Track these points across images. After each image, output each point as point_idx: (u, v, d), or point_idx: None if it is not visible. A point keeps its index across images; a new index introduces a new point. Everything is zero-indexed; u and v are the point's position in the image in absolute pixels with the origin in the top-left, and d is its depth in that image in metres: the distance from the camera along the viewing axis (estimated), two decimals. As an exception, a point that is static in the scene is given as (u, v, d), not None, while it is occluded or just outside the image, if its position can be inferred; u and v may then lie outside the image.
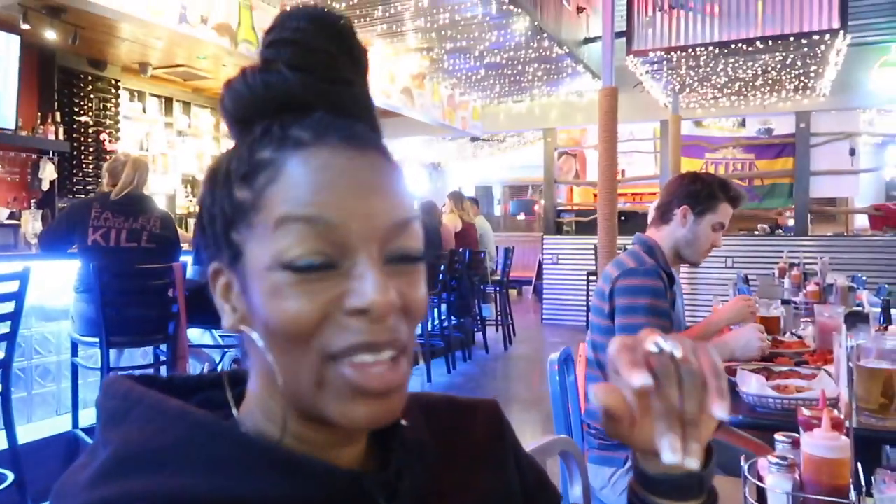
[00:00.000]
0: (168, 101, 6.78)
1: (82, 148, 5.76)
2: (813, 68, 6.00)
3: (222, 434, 0.47)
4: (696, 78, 6.38)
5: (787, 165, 7.66)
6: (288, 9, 0.52)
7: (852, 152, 8.15)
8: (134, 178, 3.18)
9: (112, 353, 3.08)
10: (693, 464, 0.50)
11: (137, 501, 0.44)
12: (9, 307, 2.54)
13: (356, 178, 0.48)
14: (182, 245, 3.42)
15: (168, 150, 6.70)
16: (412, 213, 0.50)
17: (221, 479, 0.46)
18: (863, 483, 0.97)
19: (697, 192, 1.99)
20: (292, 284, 0.46)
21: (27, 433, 3.02)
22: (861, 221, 8.66)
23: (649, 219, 2.16)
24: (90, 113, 5.81)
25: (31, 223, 3.84)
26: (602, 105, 4.36)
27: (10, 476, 2.58)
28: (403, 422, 0.57)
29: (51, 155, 5.41)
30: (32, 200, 5.20)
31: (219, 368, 3.89)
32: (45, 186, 5.35)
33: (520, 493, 0.63)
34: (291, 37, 0.50)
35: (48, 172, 5.33)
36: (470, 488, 0.60)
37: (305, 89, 0.50)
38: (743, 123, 9.22)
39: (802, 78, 6.34)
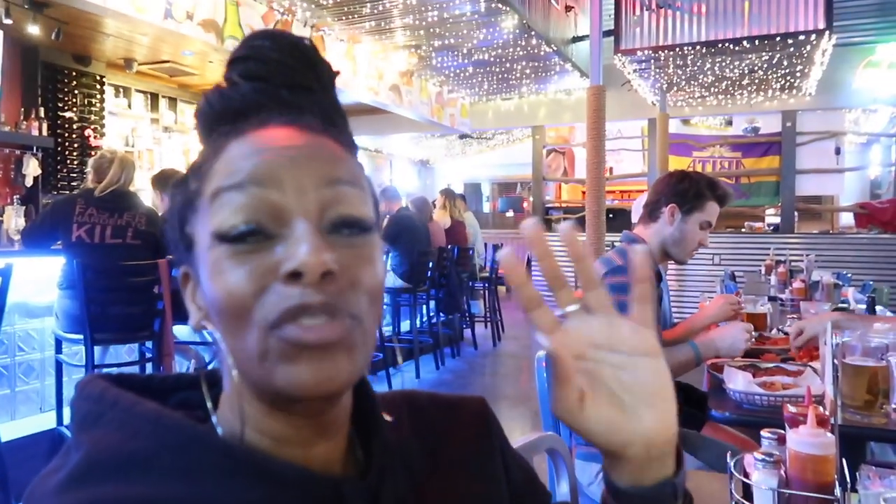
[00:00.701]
0: (154, 97, 6.72)
1: (67, 144, 5.69)
2: (799, 68, 6.04)
3: (196, 439, 0.46)
4: (683, 77, 6.41)
5: (773, 164, 7.72)
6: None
7: (837, 151, 8.24)
8: (121, 176, 3.15)
9: (97, 349, 3.05)
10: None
11: None
12: (-9, 304, 2.50)
13: (287, 147, 0.48)
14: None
15: (154, 146, 6.64)
16: (354, 184, 0.49)
17: (195, 486, 0.44)
18: (848, 479, 0.98)
19: (685, 191, 2.00)
20: (229, 257, 0.46)
21: (11, 430, 2.98)
22: (846, 219, 8.74)
23: (633, 217, 2.17)
24: (75, 108, 5.75)
25: (14, 219, 3.79)
26: (590, 103, 4.37)
27: (-7, 476, 2.54)
28: (388, 418, 0.56)
29: (34, 151, 5.34)
30: (15, 196, 5.13)
31: (210, 367, 3.87)
32: (29, 182, 5.28)
33: (507, 494, 0.62)
34: (249, 53, 0.52)
35: (32, 168, 5.26)
36: (456, 493, 0.58)
37: (260, 94, 0.51)
38: (730, 122, 9.28)
39: (788, 77, 6.39)
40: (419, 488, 0.56)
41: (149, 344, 3.23)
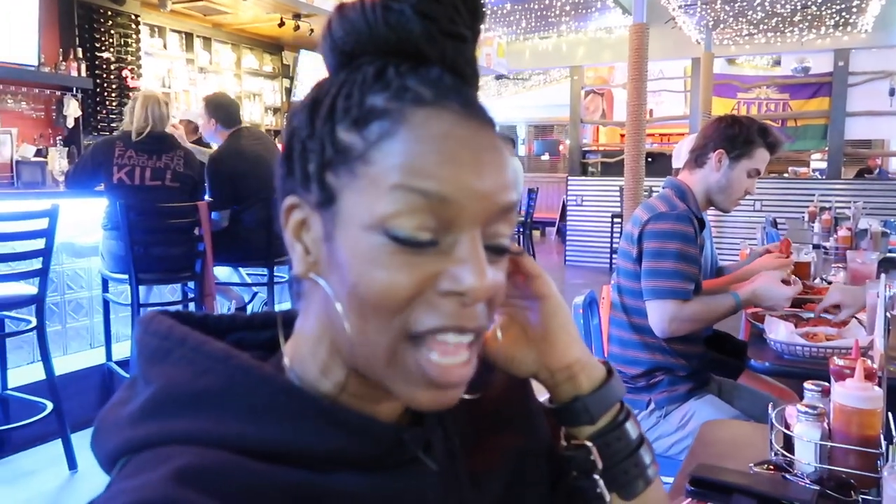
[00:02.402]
0: (188, 37, 6.69)
1: (105, 85, 5.73)
2: (855, 2, 5.73)
3: (266, 381, 0.47)
4: (731, 13, 6.14)
5: (822, 106, 7.42)
6: None
7: (892, 92, 7.86)
8: (146, 115, 3.13)
9: (142, 289, 3.14)
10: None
11: (180, 442, 0.44)
12: (39, 244, 2.58)
13: (477, 155, 0.45)
14: (205, 184, 3.43)
15: (190, 87, 6.65)
16: (518, 197, 0.50)
17: (263, 426, 0.46)
18: (894, 433, 0.96)
19: (734, 136, 1.92)
20: (390, 253, 0.44)
21: (63, 365, 3.11)
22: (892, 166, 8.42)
23: (674, 162, 2.11)
24: (111, 49, 5.76)
25: (58, 160, 3.87)
26: (632, 42, 4.22)
27: (50, 405, 2.67)
28: None
29: (74, 92, 5.40)
30: (58, 138, 5.22)
31: (248, 308, 3.97)
32: (70, 124, 5.35)
33: (545, 447, 0.63)
34: None
35: (72, 109, 5.32)
36: (497, 448, 0.60)
37: (426, 39, 0.46)
38: (778, 62, 8.90)
39: (843, 13, 6.07)
40: (466, 441, 0.57)
41: (191, 284, 3.31)
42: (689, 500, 0.94)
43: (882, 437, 0.94)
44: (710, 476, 0.94)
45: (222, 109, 3.65)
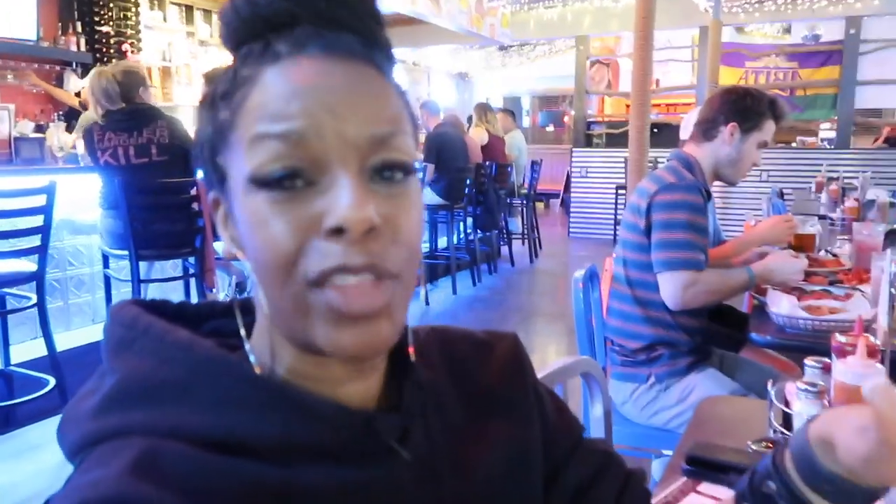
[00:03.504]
0: (189, 10, 6.61)
1: (105, 59, 5.67)
2: (868, -33, 5.58)
3: (228, 370, 0.46)
4: (740, -21, 6.00)
5: (832, 75, 7.28)
6: None
7: (903, 60, 7.69)
8: (106, 96, 3.07)
9: (142, 265, 3.14)
10: None
11: (139, 434, 0.43)
12: (38, 221, 2.57)
13: (332, 89, 0.44)
14: None
15: (191, 61, 6.58)
16: (399, 127, 0.46)
17: (226, 417, 0.44)
18: None
19: (748, 109, 1.87)
20: (269, 205, 0.43)
21: (66, 341, 3.13)
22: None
23: (682, 133, 2.07)
24: (111, 23, 5.69)
25: (57, 136, 3.84)
26: (638, 10, 4.12)
27: (52, 381, 2.69)
28: (411, 356, 0.54)
29: (74, 66, 5.35)
30: (58, 113, 5.19)
31: (248, 282, 3.97)
32: (75, 94, 5.31)
33: (539, 434, 0.60)
34: None
35: (73, 84, 5.28)
36: (490, 435, 0.57)
37: (291, 2, 0.46)
38: (788, 30, 8.71)
39: (856, -22, 5.92)
40: (452, 428, 0.55)
41: (191, 260, 3.30)
42: (685, 479, 0.93)
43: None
44: (705, 455, 0.92)
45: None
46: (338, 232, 0.42)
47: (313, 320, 0.44)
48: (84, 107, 4.29)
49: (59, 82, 5.33)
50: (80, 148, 3.38)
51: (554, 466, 0.61)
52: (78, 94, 5.08)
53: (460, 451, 0.54)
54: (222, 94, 0.47)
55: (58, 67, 5.35)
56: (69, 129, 4.47)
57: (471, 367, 0.59)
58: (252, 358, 0.48)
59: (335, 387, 0.48)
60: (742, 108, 1.87)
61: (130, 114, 3.12)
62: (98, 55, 5.56)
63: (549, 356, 3.98)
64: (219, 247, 3.52)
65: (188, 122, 3.83)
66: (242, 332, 0.50)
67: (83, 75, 5.39)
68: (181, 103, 6.16)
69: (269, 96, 0.44)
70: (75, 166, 3.32)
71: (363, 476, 0.47)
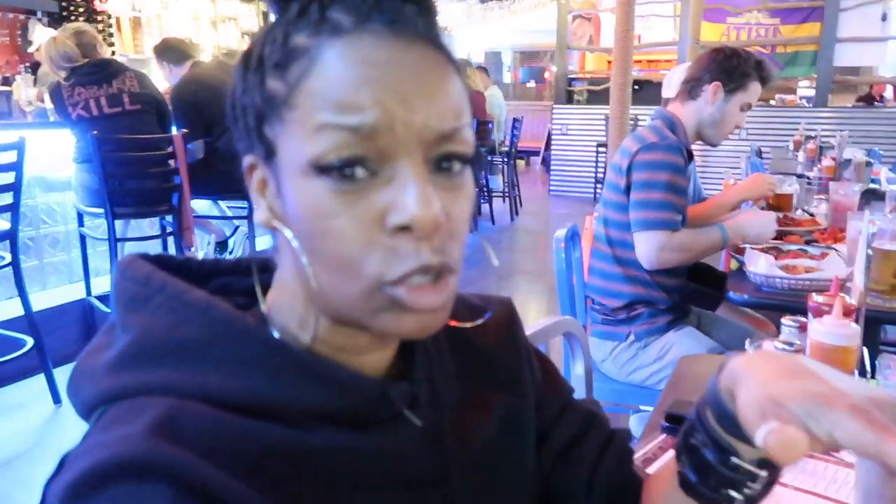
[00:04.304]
0: (158, -43, 6.37)
1: (72, 8, 5.48)
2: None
3: (247, 333, 0.46)
4: (724, -68, 5.91)
5: (812, 31, 7.26)
6: None
7: (884, 17, 7.69)
8: (63, 56, 2.99)
9: (118, 223, 3.09)
10: None
11: (157, 393, 0.43)
12: (9, 178, 2.50)
13: (401, 79, 0.42)
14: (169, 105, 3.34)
15: (162, 11, 6.37)
16: (464, 120, 0.45)
17: (243, 380, 0.44)
18: (868, 367, 0.97)
19: (733, 69, 1.86)
20: (331, 194, 0.42)
21: (43, 300, 3.09)
22: (884, 92, 8.33)
23: (664, 91, 2.06)
24: (77, -31, 5.48)
25: (24, 90, 3.71)
26: (622, -37, 4.06)
27: (30, 341, 2.66)
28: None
29: (39, 16, 5.16)
30: (24, 65, 5.01)
31: (230, 242, 3.92)
32: (36, 49, 5.13)
33: (533, 399, 0.62)
34: None
35: (38, 35, 5.09)
36: (486, 401, 0.58)
37: None
38: (771, -15, 8.64)
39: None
40: (453, 394, 0.56)
41: (169, 218, 3.25)
42: (665, 436, 0.95)
43: (857, 372, 0.95)
44: (684, 412, 0.94)
45: (170, 49, 3.61)
46: (404, 229, 0.42)
47: (377, 311, 0.44)
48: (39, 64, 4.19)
49: (24, 32, 5.14)
50: (48, 102, 3.30)
51: (543, 428, 0.62)
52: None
53: (460, 416, 0.55)
54: (274, 62, 0.43)
55: (22, 17, 5.15)
56: (36, 82, 4.32)
57: (468, 333, 0.60)
58: (270, 321, 0.48)
59: (356, 355, 0.49)
60: (727, 68, 1.87)
61: (97, 66, 3.05)
62: (65, 3, 5.36)
63: (530, 314, 4.02)
64: (197, 205, 3.47)
65: (158, 77, 3.75)
66: (260, 295, 0.50)
67: (49, 26, 5.20)
68: (153, 56, 5.98)
69: (334, 81, 0.42)
70: (46, 121, 3.22)
71: (374, 441, 0.48)
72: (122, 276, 0.49)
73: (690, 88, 1.92)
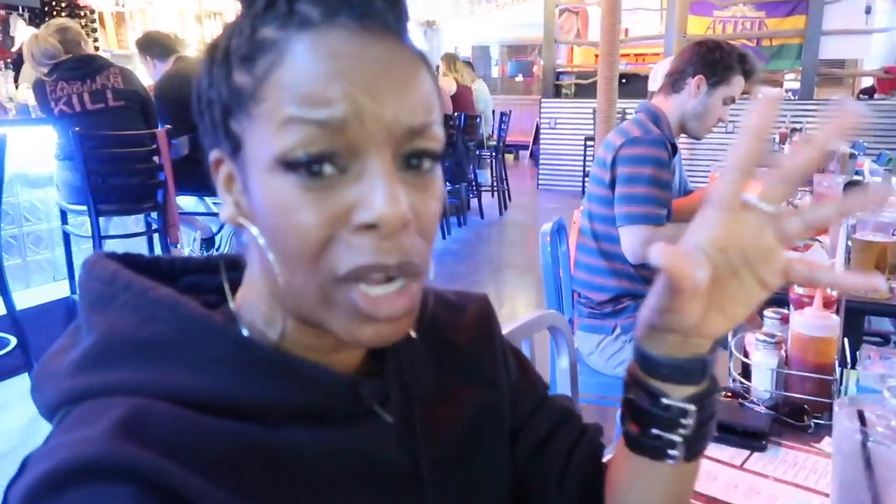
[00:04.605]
0: (142, -49, 6.30)
1: (54, 3, 5.42)
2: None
3: (214, 330, 0.45)
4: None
5: (798, 24, 7.29)
6: None
7: (868, 10, 7.74)
8: (48, 53, 2.97)
9: (102, 220, 3.06)
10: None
11: (122, 393, 0.42)
12: (-11, 175, 2.48)
13: (371, 73, 0.41)
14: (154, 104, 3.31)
15: (146, 6, 6.31)
16: (434, 116, 0.44)
17: (212, 378, 0.44)
18: (849, 358, 0.98)
19: (716, 62, 1.86)
20: (297, 190, 0.41)
21: (26, 299, 3.06)
22: (868, 85, 8.39)
23: (650, 84, 2.06)
24: (58, -37, 5.42)
25: (5, 86, 3.67)
26: (607, -44, 4.06)
27: (14, 340, 2.64)
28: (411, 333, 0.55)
29: (20, 11, 5.10)
30: (5, 61, 4.95)
31: (217, 238, 3.90)
32: (18, 46, 5.08)
33: (507, 397, 0.61)
34: None
35: (20, 30, 5.04)
36: (459, 397, 0.58)
37: None
38: (756, -22, 8.67)
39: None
40: (426, 390, 0.55)
41: (154, 215, 3.23)
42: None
43: (837, 362, 0.96)
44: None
45: (153, 44, 3.57)
46: (370, 227, 0.41)
47: (336, 312, 0.43)
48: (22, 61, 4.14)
49: (6, 28, 5.08)
50: (31, 99, 3.26)
51: (518, 424, 0.62)
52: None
53: (433, 412, 0.55)
54: (241, 56, 0.43)
55: (3, 12, 5.09)
56: (17, 78, 4.28)
57: (442, 329, 0.60)
58: (239, 319, 0.47)
59: (325, 354, 0.48)
60: (710, 61, 1.87)
61: (81, 62, 3.02)
62: (46, -1, 5.31)
63: (518, 308, 4.03)
64: (183, 201, 3.44)
65: (143, 73, 3.71)
66: (228, 292, 0.49)
67: (31, 21, 5.14)
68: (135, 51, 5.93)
69: (302, 74, 0.41)
70: (28, 118, 3.18)
71: (345, 438, 0.48)
72: (88, 275, 0.48)
73: (674, 82, 1.92)
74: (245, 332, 0.46)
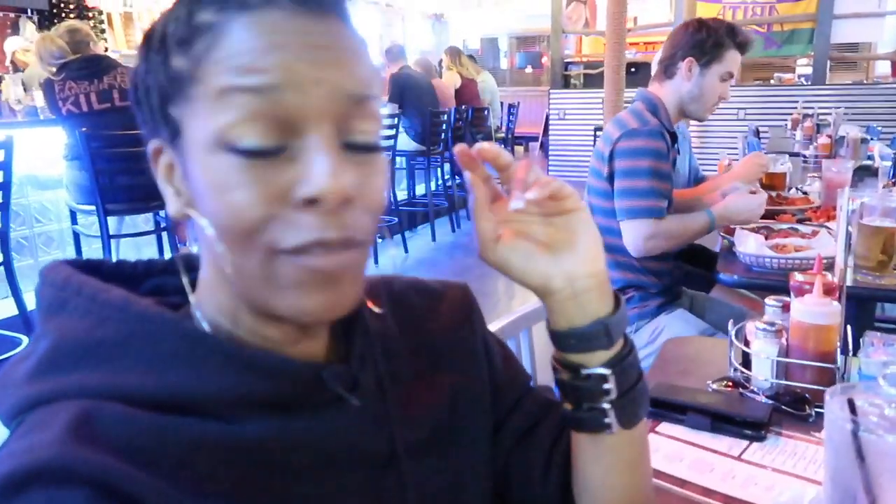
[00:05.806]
0: (148, -49, 6.32)
1: (62, 5, 5.45)
2: None
3: (167, 327, 0.44)
4: None
5: (809, 9, 7.18)
6: None
7: (881, -8, 7.61)
8: (59, 52, 2.99)
9: (112, 220, 3.08)
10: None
11: (74, 397, 0.42)
12: (-3, 177, 2.50)
13: (309, 44, 0.41)
14: None
15: (153, 6, 6.34)
16: (371, 90, 0.44)
17: (166, 375, 0.43)
18: (851, 346, 0.96)
19: (703, 42, 1.83)
20: (238, 171, 0.41)
21: (38, 299, 3.09)
22: (882, 69, 8.26)
23: (653, 72, 2.03)
24: (65, -35, 5.45)
25: (13, 89, 3.70)
26: (612, -56, 4.02)
27: (25, 340, 2.66)
28: (374, 308, 0.54)
29: (29, 13, 5.14)
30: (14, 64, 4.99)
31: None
32: (10, 58, 5.11)
33: (488, 383, 0.61)
34: None
35: (29, 32, 5.08)
36: (437, 383, 0.58)
37: None
38: (766, -38, 8.55)
39: None
40: (402, 376, 0.55)
41: (163, 213, 3.25)
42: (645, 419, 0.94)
43: (839, 349, 0.94)
44: (665, 396, 0.93)
45: None
46: (311, 202, 0.41)
47: (280, 289, 0.43)
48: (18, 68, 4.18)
49: (15, 30, 5.12)
50: (39, 100, 3.28)
51: (501, 415, 0.62)
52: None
53: (410, 398, 0.55)
54: (178, 40, 0.43)
55: (12, 15, 5.13)
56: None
57: (420, 316, 0.59)
58: (198, 314, 0.47)
59: (289, 346, 0.48)
60: (697, 42, 1.84)
61: (89, 62, 3.03)
62: (54, 1, 5.34)
63: (526, 299, 4.01)
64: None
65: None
66: (188, 288, 0.49)
67: (39, 24, 5.18)
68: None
69: (239, 48, 0.41)
70: (35, 119, 3.20)
71: (313, 425, 0.47)
72: (44, 282, 0.48)
73: (665, 68, 1.90)
74: (206, 328, 0.46)
